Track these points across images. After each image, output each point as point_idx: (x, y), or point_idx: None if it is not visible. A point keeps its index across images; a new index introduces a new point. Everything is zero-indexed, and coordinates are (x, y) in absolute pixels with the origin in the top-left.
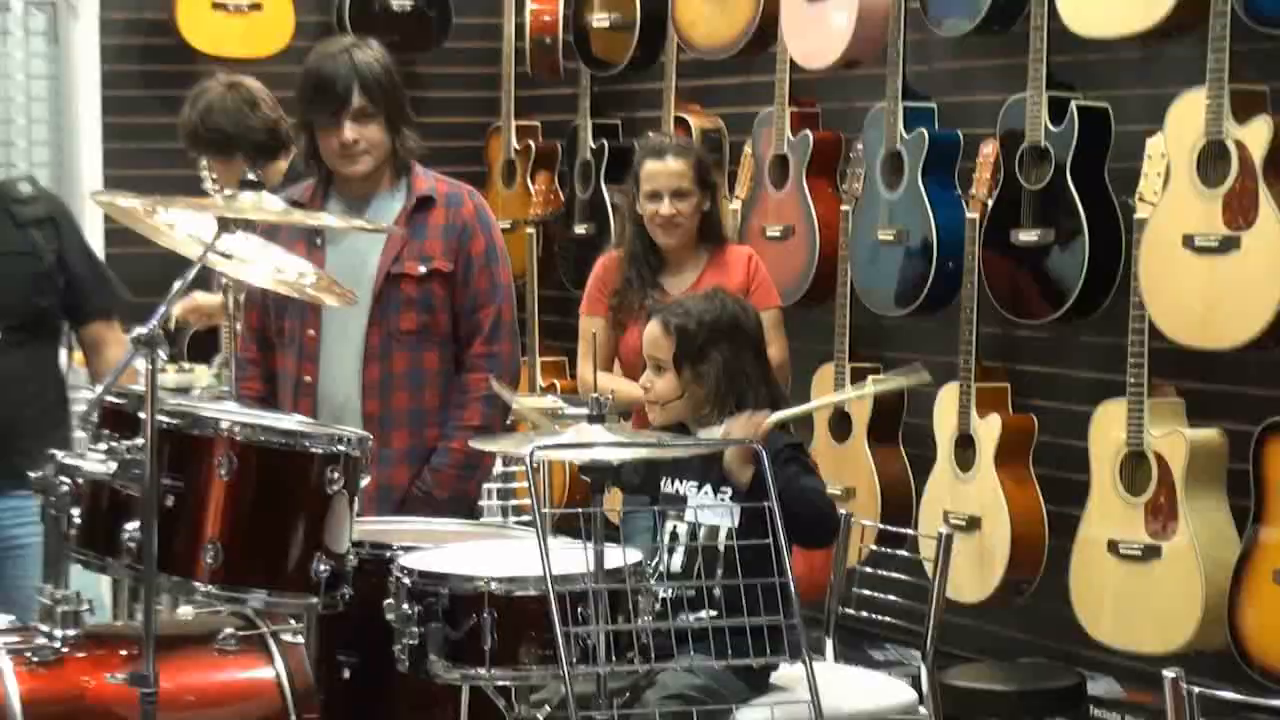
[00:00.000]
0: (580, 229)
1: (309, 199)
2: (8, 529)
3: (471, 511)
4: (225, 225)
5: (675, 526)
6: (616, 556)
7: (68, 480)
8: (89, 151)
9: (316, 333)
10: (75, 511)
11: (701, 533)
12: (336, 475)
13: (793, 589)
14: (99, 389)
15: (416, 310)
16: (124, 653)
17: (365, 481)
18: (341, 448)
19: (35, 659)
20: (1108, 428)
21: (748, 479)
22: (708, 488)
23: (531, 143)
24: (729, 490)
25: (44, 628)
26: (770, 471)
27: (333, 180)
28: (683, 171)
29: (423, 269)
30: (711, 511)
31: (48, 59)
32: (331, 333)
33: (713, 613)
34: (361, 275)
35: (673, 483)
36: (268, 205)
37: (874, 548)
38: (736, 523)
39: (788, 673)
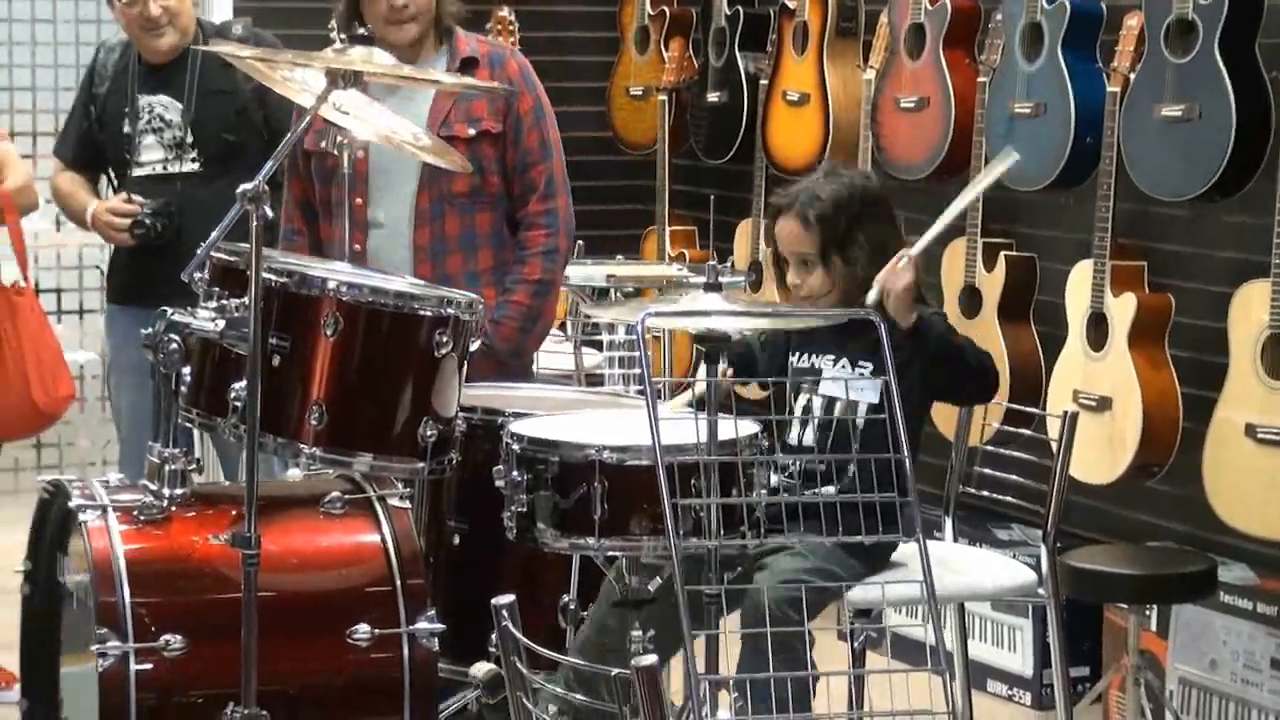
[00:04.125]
0: (713, 97)
1: None
2: None
3: (528, 369)
4: (333, 79)
5: (810, 399)
6: (733, 428)
7: (177, 338)
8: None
9: (364, 200)
10: (185, 370)
11: (837, 407)
12: (445, 338)
13: (908, 466)
14: (205, 246)
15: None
16: (231, 513)
17: (475, 345)
18: (451, 310)
19: (142, 517)
20: (1249, 309)
21: (912, 319)
22: (844, 361)
23: (666, 9)
24: (869, 365)
25: (152, 486)
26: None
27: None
28: None
29: (471, 130)
30: (852, 386)
31: None
32: (381, 200)
33: (831, 489)
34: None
35: (805, 356)
36: (378, 59)
37: (1001, 426)
38: (877, 398)
39: (907, 551)
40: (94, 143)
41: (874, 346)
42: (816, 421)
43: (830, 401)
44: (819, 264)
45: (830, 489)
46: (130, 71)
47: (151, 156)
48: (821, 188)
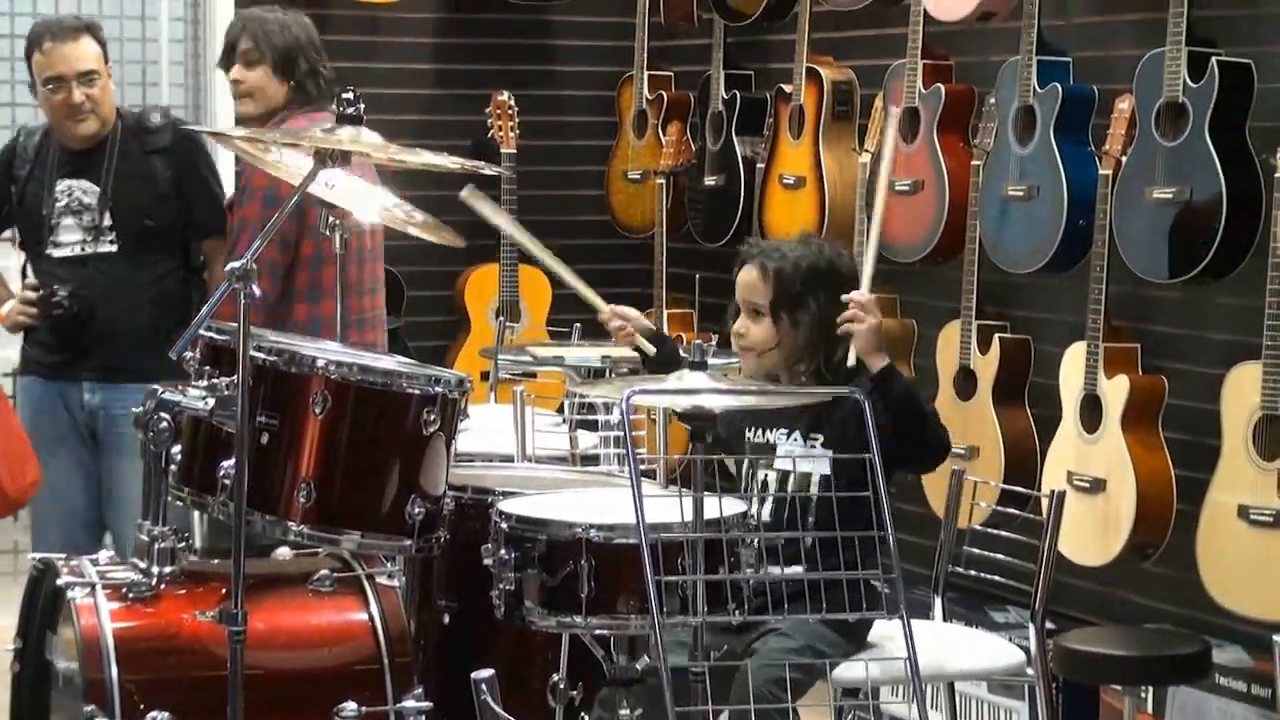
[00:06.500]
0: (710, 180)
1: None
2: (111, 415)
3: None
4: (321, 158)
5: (765, 475)
6: (718, 507)
7: (167, 416)
8: (222, 92)
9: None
10: (175, 449)
11: (791, 481)
12: (433, 416)
13: (891, 542)
14: (194, 323)
15: None
16: (220, 590)
17: (464, 424)
18: (439, 389)
19: (131, 595)
20: (1241, 391)
21: (882, 362)
22: (797, 435)
23: (664, 93)
24: (819, 438)
25: (141, 564)
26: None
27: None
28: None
29: None
30: (804, 459)
31: (187, 2)
32: None
33: (800, 568)
34: None
35: (761, 432)
36: (365, 139)
37: (995, 507)
38: (829, 470)
39: (889, 629)
40: (6, 221)
41: (825, 419)
42: (773, 497)
43: (784, 476)
44: (767, 316)
45: (798, 568)
46: (50, 156)
47: (70, 238)
48: (790, 246)
